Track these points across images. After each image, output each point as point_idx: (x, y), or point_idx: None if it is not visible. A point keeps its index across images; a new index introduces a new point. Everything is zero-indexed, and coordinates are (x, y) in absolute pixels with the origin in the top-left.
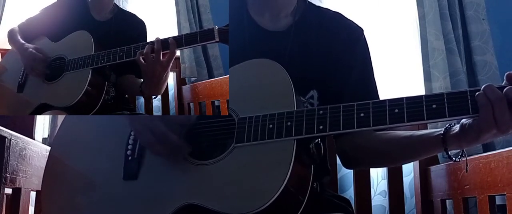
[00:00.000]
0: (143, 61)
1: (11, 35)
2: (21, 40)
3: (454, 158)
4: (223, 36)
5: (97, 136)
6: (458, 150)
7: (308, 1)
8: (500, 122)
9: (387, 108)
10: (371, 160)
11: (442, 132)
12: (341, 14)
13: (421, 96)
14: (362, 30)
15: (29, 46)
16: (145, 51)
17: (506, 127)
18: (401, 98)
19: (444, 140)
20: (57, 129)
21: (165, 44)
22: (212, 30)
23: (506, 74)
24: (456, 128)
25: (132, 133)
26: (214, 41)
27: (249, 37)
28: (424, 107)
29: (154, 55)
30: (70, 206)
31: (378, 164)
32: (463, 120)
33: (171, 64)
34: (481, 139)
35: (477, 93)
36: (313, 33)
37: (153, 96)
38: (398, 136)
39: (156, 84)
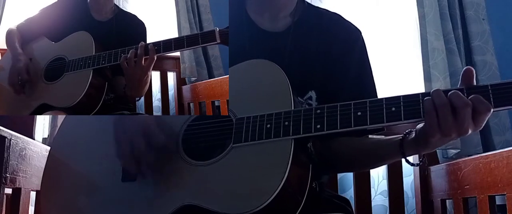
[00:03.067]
0: (126, 65)
1: (9, 37)
2: (17, 46)
3: (412, 163)
4: (224, 37)
5: (96, 137)
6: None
7: (307, 2)
8: (443, 126)
9: (384, 106)
10: (343, 165)
11: (400, 137)
12: (340, 15)
13: (417, 94)
14: (360, 32)
15: (22, 59)
16: (128, 56)
17: (449, 131)
18: (398, 97)
19: (402, 145)
20: (57, 129)
21: (146, 49)
22: (213, 31)
23: (464, 69)
24: (413, 133)
25: None
26: (215, 43)
27: (248, 37)
28: (421, 104)
29: (136, 60)
30: (69, 207)
31: (348, 168)
32: (419, 125)
33: (151, 69)
34: (430, 144)
35: (426, 98)
36: (312, 34)
37: (136, 99)
38: (367, 142)
39: (137, 87)
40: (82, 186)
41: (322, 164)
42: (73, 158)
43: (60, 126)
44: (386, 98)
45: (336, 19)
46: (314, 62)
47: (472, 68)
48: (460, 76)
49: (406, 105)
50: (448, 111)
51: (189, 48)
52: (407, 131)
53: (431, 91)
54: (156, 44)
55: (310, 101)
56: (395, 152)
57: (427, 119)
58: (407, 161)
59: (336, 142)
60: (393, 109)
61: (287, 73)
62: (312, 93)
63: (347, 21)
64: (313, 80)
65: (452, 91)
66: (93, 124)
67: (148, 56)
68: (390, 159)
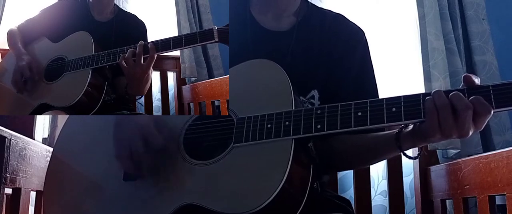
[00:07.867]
0: (125, 64)
1: (11, 38)
2: (20, 46)
3: (410, 156)
4: (222, 36)
5: (98, 137)
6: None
7: (310, 2)
8: (443, 127)
9: (384, 106)
10: (344, 163)
11: (396, 131)
12: (343, 16)
13: (418, 94)
14: (363, 32)
15: (25, 58)
16: (126, 55)
17: (449, 132)
18: (399, 97)
19: (398, 138)
20: (60, 129)
21: (146, 48)
22: (211, 30)
23: (463, 75)
24: (410, 126)
25: None
26: (213, 41)
27: (251, 36)
28: (422, 105)
29: (135, 59)
30: (71, 207)
31: (348, 166)
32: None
33: (151, 67)
34: (428, 141)
35: (427, 98)
36: (315, 34)
37: (137, 97)
38: (366, 138)
39: (137, 86)
40: (85, 186)
41: (322, 163)
42: (76, 158)
43: (62, 127)
44: (387, 99)
45: (339, 19)
46: (317, 62)
47: (471, 75)
48: (462, 79)
49: (407, 105)
50: (449, 112)
51: (188, 47)
52: (403, 125)
53: (433, 91)
54: (154, 43)
55: (312, 101)
56: (392, 146)
57: (428, 119)
58: (405, 154)
59: (337, 140)
60: (394, 109)
61: (290, 73)
62: (315, 93)
63: (351, 21)
64: (316, 80)
65: (454, 92)
66: (95, 124)
67: (148, 55)
68: (388, 153)
